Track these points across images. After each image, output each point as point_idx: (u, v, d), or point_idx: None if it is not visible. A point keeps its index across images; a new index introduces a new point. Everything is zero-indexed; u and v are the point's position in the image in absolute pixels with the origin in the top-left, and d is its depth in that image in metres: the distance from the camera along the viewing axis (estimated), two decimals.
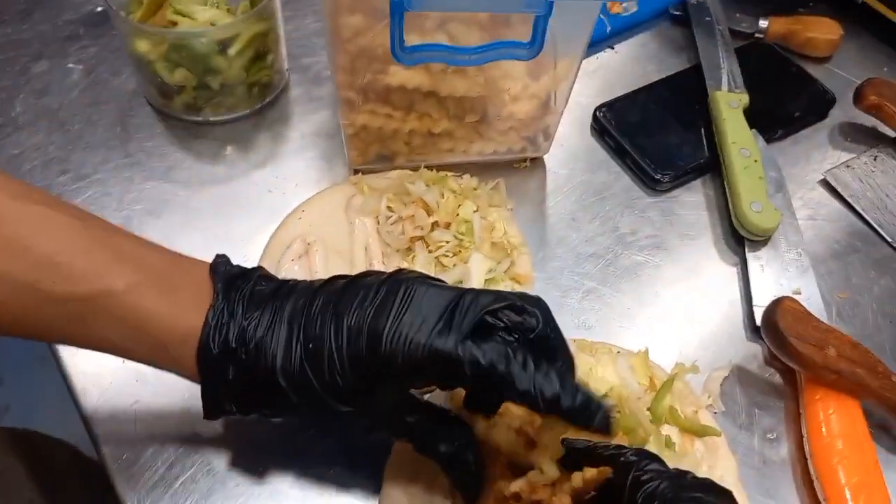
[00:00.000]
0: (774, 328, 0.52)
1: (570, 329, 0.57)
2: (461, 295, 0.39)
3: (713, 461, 0.50)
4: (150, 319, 0.40)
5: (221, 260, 0.44)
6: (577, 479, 0.40)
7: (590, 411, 0.38)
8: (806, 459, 0.53)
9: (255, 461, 0.50)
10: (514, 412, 0.45)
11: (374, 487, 0.48)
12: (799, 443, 0.54)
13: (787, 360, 0.53)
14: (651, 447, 0.47)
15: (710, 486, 0.37)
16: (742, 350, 0.59)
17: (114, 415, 0.51)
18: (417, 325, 0.38)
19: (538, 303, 0.40)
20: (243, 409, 0.43)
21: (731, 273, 0.63)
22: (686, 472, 0.38)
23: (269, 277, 0.44)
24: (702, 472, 0.49)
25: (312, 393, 0.40)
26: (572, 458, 0.42)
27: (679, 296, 0.61)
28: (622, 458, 0.38)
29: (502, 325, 0.39)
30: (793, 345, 0.51)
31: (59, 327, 0.40)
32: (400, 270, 0.42)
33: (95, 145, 0.65)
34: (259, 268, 0.45)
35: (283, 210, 0.62)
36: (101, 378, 0.52)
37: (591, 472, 0.40)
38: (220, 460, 0.50)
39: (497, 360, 0.37)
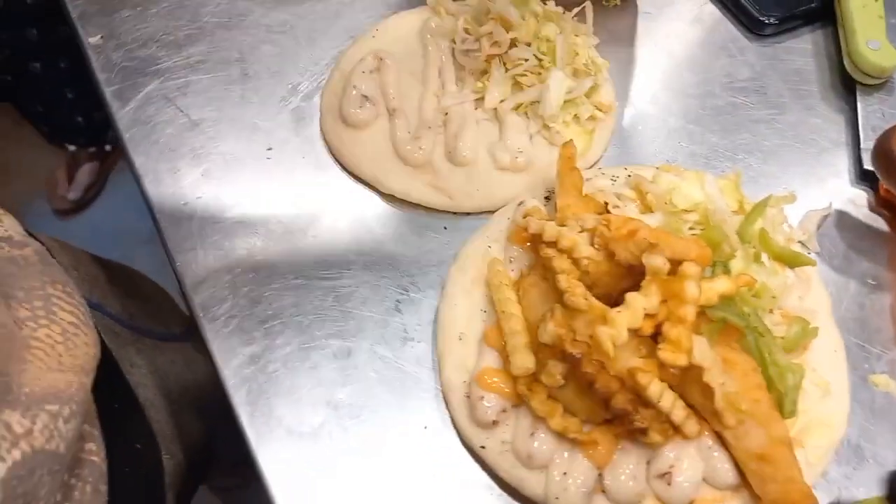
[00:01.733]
0: (887, 153, 0.46)
1: (651, 163, 0.53)
2: None
3: (804, 292, 0.46)
4: None
5: None
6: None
7: None
8: None
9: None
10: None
11: None
12: None
13: None
14: (738, 263, 0.43)
15: None
16: (846, 195, 0.53)
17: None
18: None
19: None
20: None
21: (837, 120, 0.57)
22: None
23: None
24: (792, 301, 0.45)
25: None
26: None
27: (778, 139, 0.56)
28: None
29: None
30: None
31: None
32: None
33: None
34: None
35: (356, 34, 0.59)
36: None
37: None
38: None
39: None
